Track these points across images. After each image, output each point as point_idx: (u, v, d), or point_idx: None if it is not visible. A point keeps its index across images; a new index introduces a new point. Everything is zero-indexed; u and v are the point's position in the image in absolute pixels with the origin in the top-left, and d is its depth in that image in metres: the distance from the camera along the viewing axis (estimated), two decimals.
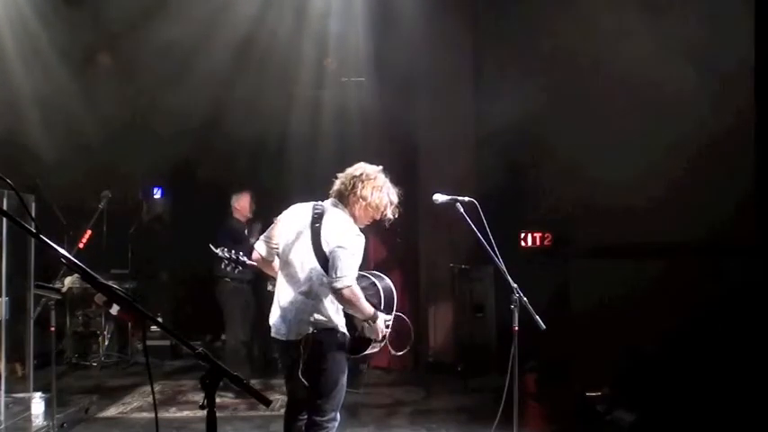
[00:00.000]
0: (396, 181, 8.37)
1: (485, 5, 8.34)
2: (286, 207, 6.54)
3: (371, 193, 4.06)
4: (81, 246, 8.19)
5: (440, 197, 4.65)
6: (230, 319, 7.14)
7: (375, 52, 8.18)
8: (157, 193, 10.11)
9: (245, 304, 7.11)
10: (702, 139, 6.71)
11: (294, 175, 9.33)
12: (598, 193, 7.21)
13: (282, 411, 6.64)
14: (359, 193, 4.03)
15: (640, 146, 7.09)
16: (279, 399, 7.00)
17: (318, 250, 3.82)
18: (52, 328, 5.55)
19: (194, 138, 9.27)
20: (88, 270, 1.95)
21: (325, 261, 3.78)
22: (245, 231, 7.22)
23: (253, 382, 7.55)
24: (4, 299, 5.64)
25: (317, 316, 3.78)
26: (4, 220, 4.48)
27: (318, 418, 3.84)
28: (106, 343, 8.63)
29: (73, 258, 1.99)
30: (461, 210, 4.56)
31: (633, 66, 7.12)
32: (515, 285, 4.39)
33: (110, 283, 2.04)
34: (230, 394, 6.81)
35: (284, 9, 8.23)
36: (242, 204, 7.33)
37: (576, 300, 7.52)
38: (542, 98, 7.38)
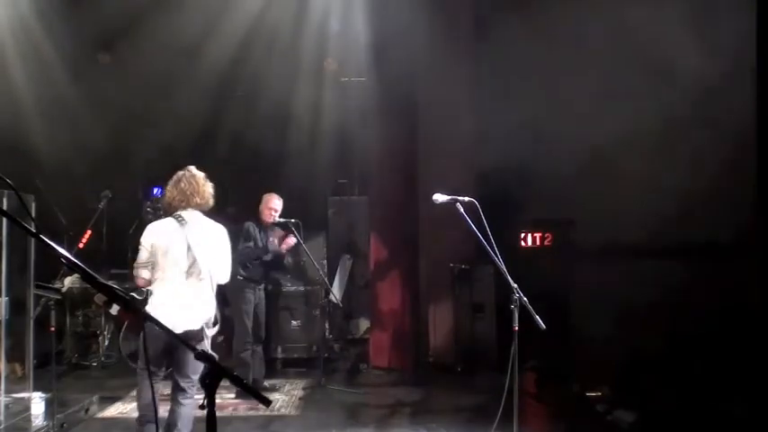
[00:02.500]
0: (396, 181, 8.48)
1: (485, 5, 8.34)
2: (286, 206, 6.66)
3: (209, 188, 4.82)
4: (81, 246, 8.19)
5: (440, 197, 4.65)
6: (235, 321, 7.12)
7: (375, 52, 8.19)
8: (157, 193, 10.10)
9: (250, 304, 7.07)
10: (703, 140, 6.71)
11: (294, 174, 9.35)
12: (599, 194, 7.21)
13: (282, 411, 6.68)
14: (207, 194, 4.78)
15: (641, 146, 7.10)
16: (279, 399, 7.02)
17: (215, 251, 4.71)
18: (52, 328, 5.55)
19: (194, 137, 9.28)
20: (88, 270, 1.95)
21: (214, 260, 4.70)
22: (259, 231, 7.11)
23: (273, 382, 7.57)
24: (4, 299, 5.64)
25: (213, 303, 4.71)
26: (4, 220, 4.49)
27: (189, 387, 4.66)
28: (106, 343, 8.62)
29: (73, 258, 1.99)
30: (461, 210, 4.57)
31: (633, 66, 7.13)
32: (515, 285, 4.39)
33: (110, 283, 2.04)
34: (230, 394, 6.80)
35: (284, 9, 8.23)
36: (266, 205, 7.15)
37: (576, 300, 7.52)
38: (543, 98, 7.38)
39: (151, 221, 4.95)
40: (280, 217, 7.10)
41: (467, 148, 8.35)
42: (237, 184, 9.54)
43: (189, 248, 4.61)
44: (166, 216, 4.82)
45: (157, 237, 4.67)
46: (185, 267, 4.61)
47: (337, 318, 9.36)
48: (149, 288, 4.68)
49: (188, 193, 4.69)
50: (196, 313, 4.60)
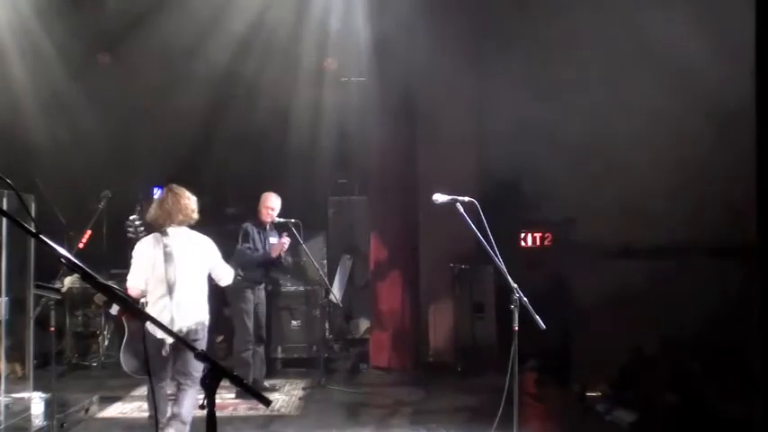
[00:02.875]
0: (396, 181, 8.48)
1: (485, 5, 8.33)
2: (286, 206, 6.75)
3: (192, 204, 5.20)
4: (81, 246, 8.19)
5: (440, 197, 4.66)
6: (236, 321, 7.12)
7: (375, 52, 8.19)
8: (157, 194, 10.10)
9: (250, 303, 7.05)
10: (703, 140, 6.71)
11: (294, 174, 9.34)
12: (599, 194, 7.21)
13: (282, 411, 6.69)
14: (189, 210, 5.13)
15: (641, 146, 7.09)
16: (279, 399, 7.02)
17: (203, 262, 5.17)
18: (52, 328, 5.55)
19: (195, 137, 9.28)
20: (88, 270, 1.95)
21: (202, 270, 5.18)
22: (258, 232, 7.08)
23: (273, 382, 7.57)
24: (4, 299, 5.64)
25: (201, 310, 5.14)
26: (4, 220, 4.49)
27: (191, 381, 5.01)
28: (106, 343, 8.62)
29: (73, 258, 1.99)
30: (461, 210, 4.57)
31: (634, 66, 7.12)
32: (515, 285, 4.39)
33: (110, 283, 2.04)
34: (230, 394, 6.80)
35: (284, 9, 8.23)
36: (263, 204, 7.09)
37: (576, 300, 7.51)
38: (544, 98, 7.37)
39: (132, 239, 5.33)
40: (279, 216, 7.09)
41: (467, 148, 8.34)
42: (237, 184, 9.55)
43: (172, 262, 4.98)
44: (152, 232, 5.15)
45: (146, 252, 5.05)
46: (171, 280, 4.97)
47: (337, 318, 9.35)
48: (144, 299, 5.05)
49: (171, 211, 5.06)
50: (181, 319, 4.98)
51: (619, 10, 7.10)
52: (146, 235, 5.22)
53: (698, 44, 6.53)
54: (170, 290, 4.98)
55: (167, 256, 4.99)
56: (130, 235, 5.27)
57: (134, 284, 5.03)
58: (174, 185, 5.21)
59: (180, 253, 5.04)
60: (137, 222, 5.29)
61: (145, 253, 5.06)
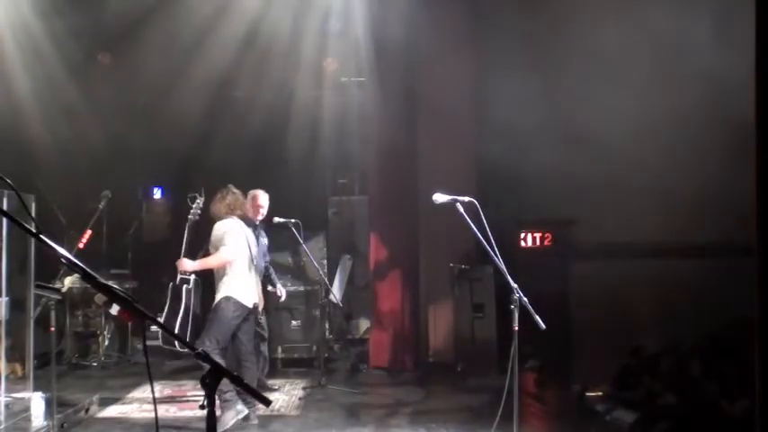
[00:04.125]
0: (396, 181, 8.49)
1: (486, 2, 8.34)
2: (286, 206, 6.80)
3: (246, 202, 6.34)
4: (81, 246, 8.19)
5: (440, 197, 4.66)
6: None
7: (375, 52, 8.19)
8: (157, 193, 10.11)
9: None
10: (704, 140, 6.72)
11: (294, 174, 9.35)
12: (599, 194, 7.21)
13: (282, 411, 6.69)
14: (245, 207, 6.25)
15: (642, 146, 7.10)
16: (279, 399, 7.02)
17: (254, 248, 6.18)
18: (52, 328, 5.55)
19: (195, 137, 9.29)
20: (88, 270, 1.96)
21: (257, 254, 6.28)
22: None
23: (273, 382, 7.54)
24: (4, 299, 5.64)
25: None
26: (4, 220, 4.50)
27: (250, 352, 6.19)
28: (106, 343, 8.62)
29: (73, 258, 1.99)
30: (461, 210, 4.57)
31: (636, 64, 7.12)
32: (515, 285, 4.39)
33: (110, 283, 2.04)
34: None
35: (284, 9, 8.24)
36: (252, 202, 6.88)
37: (576, 300, 7.52)
38: (545, 97, 7.38)
39: (191, 222, 6.26)
40: (280, 216, 7.03)
41: (467, 148, 8.35)
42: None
43: (249, 244, 6.00)
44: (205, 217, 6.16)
45: (239, 230, 5.96)
46: (251, 257, 6.01)
47: (337, 318, 9.35)
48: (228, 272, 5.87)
49: (232, 207, 6.00)
50: (258, 291, 6.15)
51: (623, 7, 7.10)
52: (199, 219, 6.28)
53: (702, 44, 6.52)
54: (250, 265, 5.99)
55: (248, 239, 6.00)
56: (191, 216, 6.27)
57: (234, 254, 5.86)
58: (231, 186, 6.10)
59: (250, 238, 6.08)
60: (200, 206, 6.31)
61: (237, 230, 5.96)
